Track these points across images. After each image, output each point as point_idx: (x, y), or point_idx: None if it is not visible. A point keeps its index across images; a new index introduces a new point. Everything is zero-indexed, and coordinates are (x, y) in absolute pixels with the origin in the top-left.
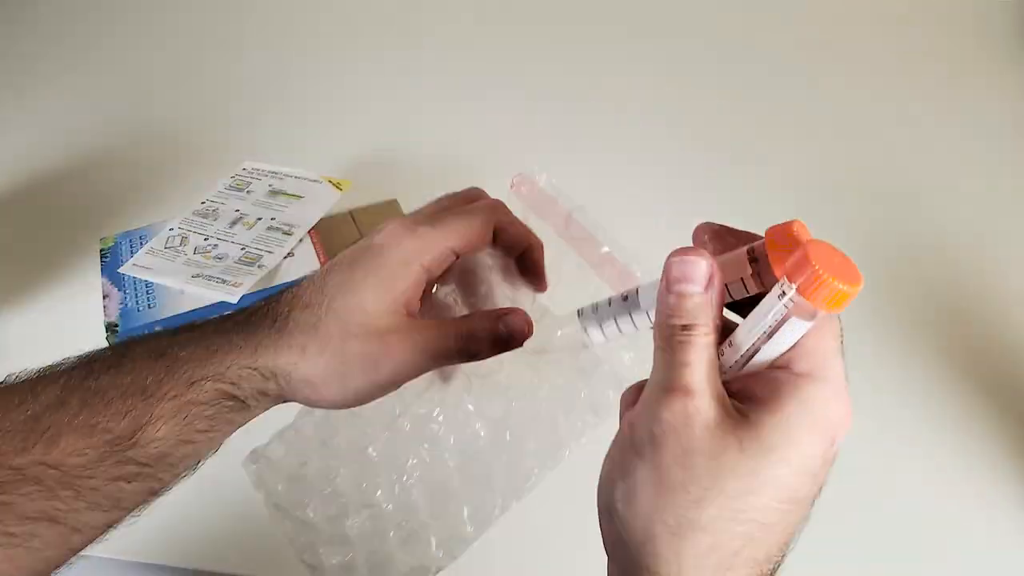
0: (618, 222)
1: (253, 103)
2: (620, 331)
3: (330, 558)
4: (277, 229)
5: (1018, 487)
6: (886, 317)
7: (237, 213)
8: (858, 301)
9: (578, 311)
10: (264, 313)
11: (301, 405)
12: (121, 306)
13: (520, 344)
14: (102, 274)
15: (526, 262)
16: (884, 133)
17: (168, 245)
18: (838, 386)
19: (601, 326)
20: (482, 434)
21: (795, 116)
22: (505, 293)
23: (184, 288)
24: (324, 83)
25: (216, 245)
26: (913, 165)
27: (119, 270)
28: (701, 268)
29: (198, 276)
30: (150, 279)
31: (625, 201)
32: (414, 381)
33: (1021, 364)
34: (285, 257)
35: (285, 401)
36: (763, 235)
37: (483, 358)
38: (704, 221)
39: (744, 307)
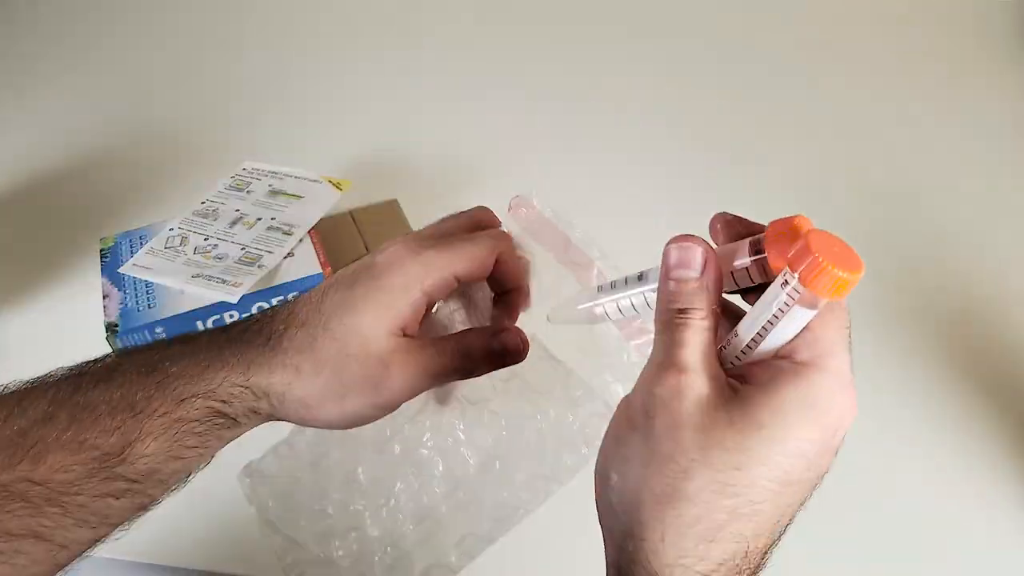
0: (618, 222)
1: (253, 103)
2: (634, 308)
3: None
4: (277, 229)
5: (1018, 487)
6: (886, 317)
7: (237, 213)
8: (858, 301)
9: (598, 287)
10: (258, 329)
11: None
12: (121, 306)
13: (516, 361)
14: (102, 274)
15: (506, 301)
16: (884, 133)
17: (168, 245)
18: (840, 376)
19: (617, 303)
20: (471, 462)
21: (795, 116)
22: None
23: (184, 288)
24: (324, 83)
25: (216, 245)
26: (913, 165)
27: (119, 270)
28: (697, 254)
29: (198, 276)
30: (150, 279)
31: (625, 201)
32: (408, 403)
33: (1021, 364)
34: (285, 257)
35: (277, 420)
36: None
37: (480, 375)
38: (720, 212)
39: (755, 297)
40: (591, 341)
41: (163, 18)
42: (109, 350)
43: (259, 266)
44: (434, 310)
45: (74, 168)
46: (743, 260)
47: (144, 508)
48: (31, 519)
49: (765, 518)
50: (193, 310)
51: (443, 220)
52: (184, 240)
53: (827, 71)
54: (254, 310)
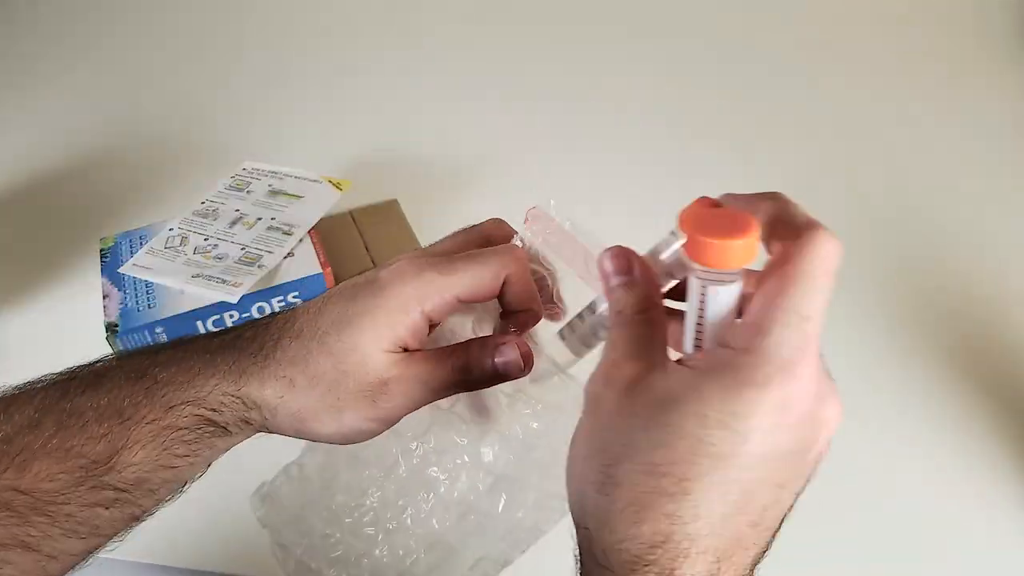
0: (618, 222)
1: (253, 103)
2: (598, 337)
3: None
4: (277, 229)
5: (1018, 487)
6: (887, 316)
7: (237, 213)
8: (858, 300)
9: (560, 334)
10: (252, 336)
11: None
12: (121, 306)
13: (517, 375)
14: (102, 274)
15: (515, 318)
16: (884, 133)
17: (168, 245)
18: (771, 356)
19: (584, 341)
20: (481, 483)
21: (795, 116)
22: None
23: (184, 288)
24: (324, 83)
25: (216, 245)
26: (913, 165)
27: (119, 270)
28: (624, 260)
29: (198, 276)
30: (150, 279)
31: (626, 201)
32: (415, 423)
33: (1021, 364)
34: (285, 257)
35: (271, 432)
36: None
37: (482, 387)
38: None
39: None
40: (600, 353)
41: (163, 18)
42: (109, 350)
43: (259, 266)
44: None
45: (74, 168)
46: (666, 253)
47: (136, 519)
48: (17, 528)
49: (701, 498)
50: (193, 310)
51: (455, 234)
52: (184, 240)
53: (827, 71)
54: (254, 310)
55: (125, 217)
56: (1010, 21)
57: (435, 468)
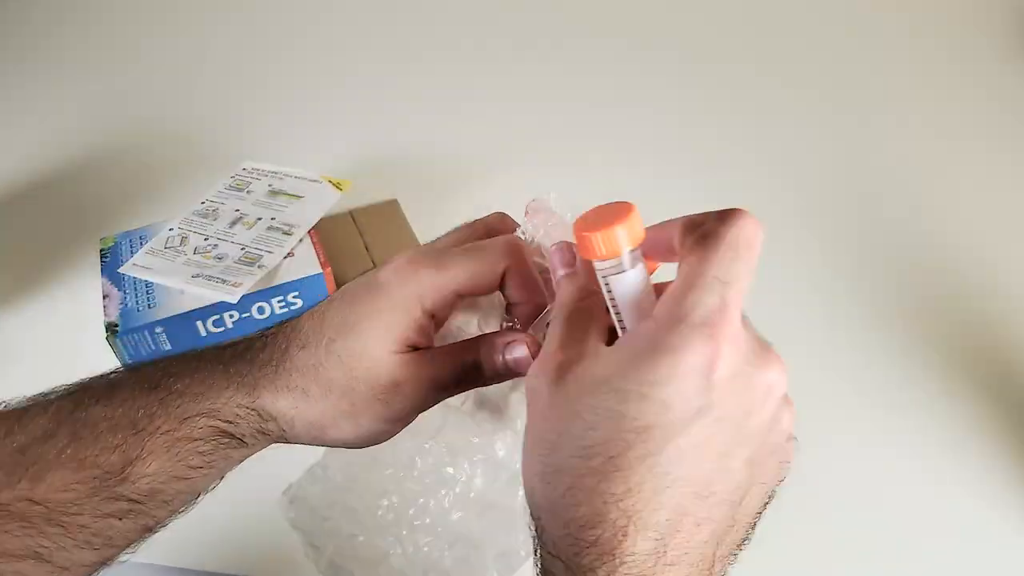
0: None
1: (253, 103)
2: None
3: None
4: (277, 229)
5: (1018, 487)
6: (888, 316)
7: (237, 213)
8: (858, 301)
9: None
10: (261, 346)
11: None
12: (121, 306)
13: (527, 371)
14: (102, 274)
15: (520, 313)
16: (884, 133)
17: (168, 245)
18: (680, 320)
19: None
20: (496, 482)
21: (795, 117)
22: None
23: (184, 288)
24: (324, 83)
25: (216, 245)
26: (914, 164)
27: (119, 270)
28: (564, 254)
29: (198, 276)
30: (150, 279)
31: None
32: (428, 422)
33: (1021, 364)
34: (285, 257)
35: (288, 442)
36: None
37: (492, 384)
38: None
39: None
40: None
41: (163, 18)
42: (109, 350)
43: (259, 266)
44: (450, 320)
45: (74, 168)
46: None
47: (149, 530)
48: (30, 539)
49: (631, 473)
50: (193, 310)
51: (457, 229)
52: (184, 240)
53: (827, 71)
54: (254, 310)
55: (125, 217)
56: (1010, 21)
57: (451, 467)
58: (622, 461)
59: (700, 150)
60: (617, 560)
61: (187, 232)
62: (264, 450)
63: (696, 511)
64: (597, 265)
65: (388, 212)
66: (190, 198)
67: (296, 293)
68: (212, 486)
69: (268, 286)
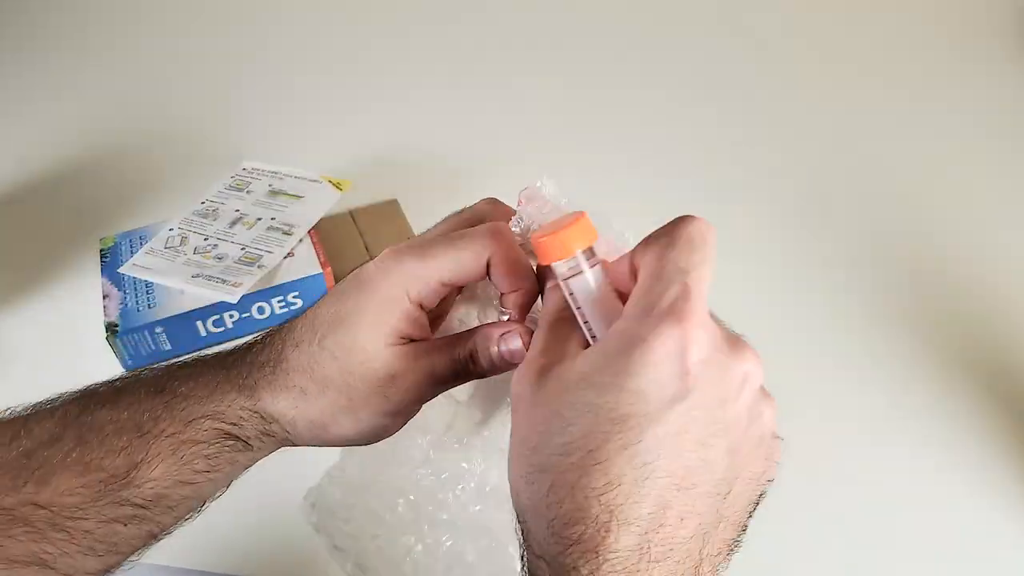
0: (617, 221)
1: (253, 103)
2: None
3: None
4: (277, 229)
5: (1018, 487)
6: (888, 317)
7: (237, 213)
8: (858, 301)
9: None
10: (259, 349)
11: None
12: (121, 306)
13: (522, 360)
14: (102, 274)
15: (512, 302)
16: (885, 133)
17: (168, 245)
18: (645, 312)
19: None
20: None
21: (796, 117)
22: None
23: (184, 288)
24: (324, 83)
25: (216, 245)
26: (914, 165)
27: (119, 270)
28: (527, 269)
29: (198, 276)
30: (150, 279)
31: (625, 200)
32: (436, 417)
33: (1021, 364)
34: (285, 257)
35: (293, 444)
36: None
37: (490, 375)
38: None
39: None
40: None
41: (163, 19)
42: (109, 350)
43: (259, 266)
44: (451, 313)
45: (74, 168)
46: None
47: (154, 537)
48: (35, 545)
49: (608, 465)
50: (193, 310)
51: (446, 219)
52: (184, 240)
53: (827, 72)
54: (254, 310)
55: (125, 217)
56: (1010, 21)
57: (465, 462)
58: (601, 454)
59: (700, 150)
60: (600, 558)
61: (187, 232)
62: (283, 453)
63: (679, 504)
64: (556, 269)
65: (388, 212)
66: (190, 198)
67: (296, 293)
68: (217, 494)
69: (268, 286)
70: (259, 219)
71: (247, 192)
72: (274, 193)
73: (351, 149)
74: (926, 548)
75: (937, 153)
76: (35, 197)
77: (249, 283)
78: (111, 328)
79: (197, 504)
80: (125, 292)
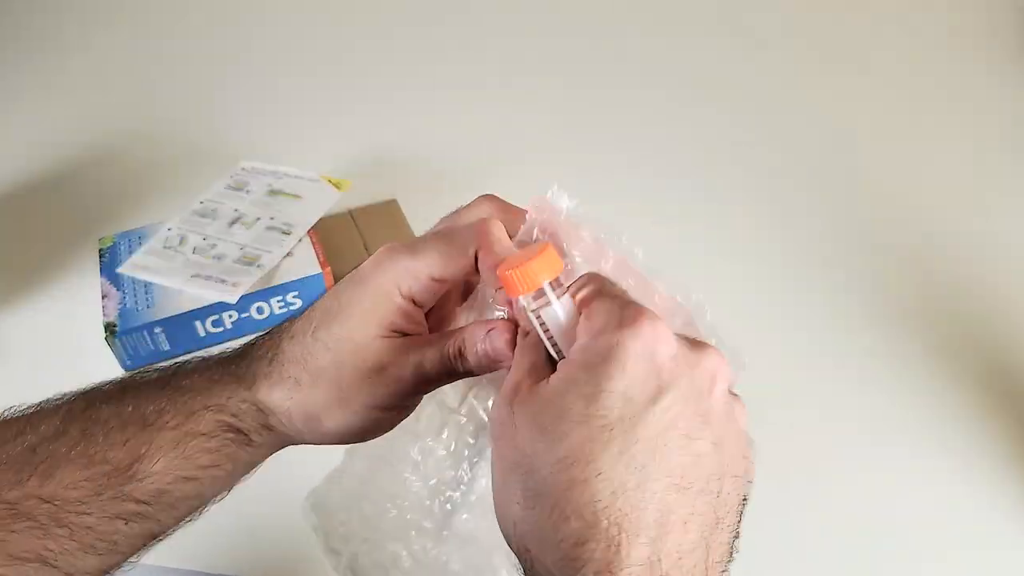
0: (617, 221)
1: (253, 103)
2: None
3: None
4: (276, 229)
5: (1018, 487)
6: (888, 316)
7: (236, 213)
8: (858, 301)
9: None
10: (260, 344)
11: (344, 454)
12: (120, 306)
13: (507, 360)
14: (101, 274)
15: (501, 300)
16: (884, 133)
17: (167, 245)
18: (597, 318)
19: None
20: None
21: (796, 117)
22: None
23: (183, 288)
24: (324, 83)
25: (215, 245)
26: (913, 164)
27: (118, 270)
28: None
29: (197, 276)
30: (149, 279)
31: (625, 200)
32: (426, 423)
33: (1021, 364)
34: (284, 257)
35: (292, 440)
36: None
37: (478, 374)
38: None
39: None
40: None
41: (161, 19)
42: (108, 350)
43: (258, 266)
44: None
45: (73, 168)
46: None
47: (154, 537)
48: (37, 541)
49: (613, 473)
50: (192, 310)
51: (444, 217)
52: (183, 240)
53: (827, 72)
54: (253, 310)
55: (124, 217)
56: (1011, 21)
57: (452, 470)
58: (601, 463)
59: (700, 150)
60: None
61: (186, 232)
62: (284, 455)
63: (679, 507)
64: (523, 302)
65: (388, 212)
66: (189, 198)
67: (295, 293)
68: (218, 497)
69: (267, 286)
70: (258, 219)
71: (246, 192)
72: (273, 193)
73: (351, 149)
74: (926, 548)
75: (937, 153)
76: (34, 197)
77: (248, 283)
78: (110, 328)
79: (197, 504)
80: (124, 292)
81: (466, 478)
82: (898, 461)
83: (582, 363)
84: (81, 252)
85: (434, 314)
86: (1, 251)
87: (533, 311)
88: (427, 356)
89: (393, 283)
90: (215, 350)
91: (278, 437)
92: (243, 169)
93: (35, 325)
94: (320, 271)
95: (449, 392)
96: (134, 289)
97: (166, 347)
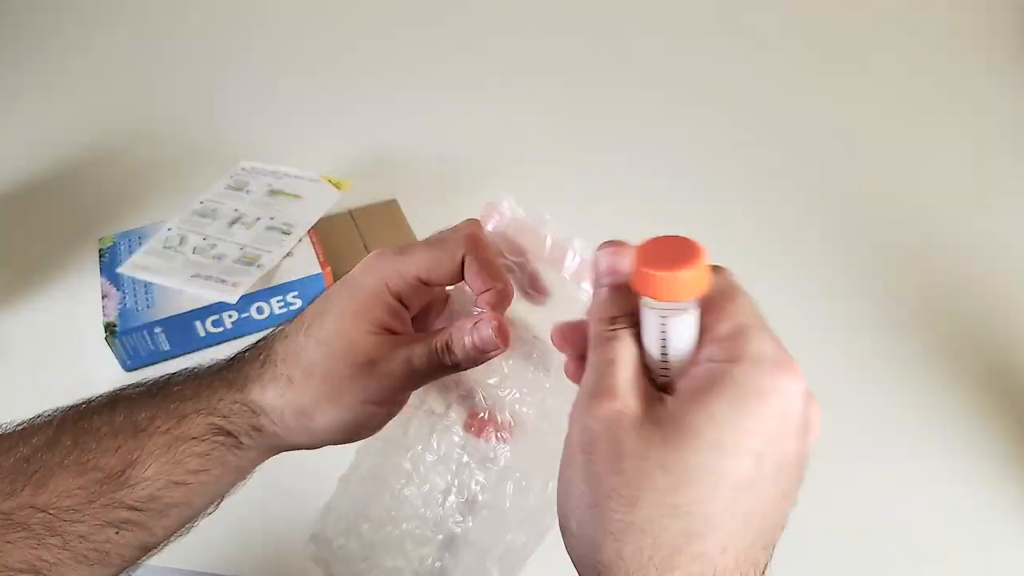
0: (617, 221)
1: (252, 103)
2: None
3: None
4: (276, 229)
5: (1018, 487)
6: (888, 316)
7: (236, 213)
8: (858, 301)
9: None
10: (251, 349)
11: (339, 482)
12: (120, 306)
13: (494, 349)
14: (101, 274)
15: (486, 301)
16: (884, 133)
17: (167, 245)
18: (761, 360)
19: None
20: (485, 481)
21: (796, 118)
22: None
23: (183, 288)
24: (324, 83)
25: (215, 245)
26: (913, 164)
27: (118, 270)
28: (626, 260)
29: (197, 276)
30: (149, 279)
31: (624, 200)
32: (415, 431)
33: (1021, 364)
34: (284, 257)
35: (282, 441)
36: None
37: (465, 368)
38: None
39: None
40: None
41: (161, 19)
42: (108, 350)
43: (258, 266)
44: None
45: (73, 168)
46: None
47: (145, 549)
48: (31, 552)
49: (729, 530)
50: (192, 310)
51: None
52: (183, 240)
53: (827, 72)
54: (253, 310)
55: (124, 217)
56: (1011, 21)
57: (444, 474)
58: (721, 519)
59: (700, 150)
60: None
61: (186, 232)
62: (286, 457)
63: (761, 562)
64: (654, 304)
65: (388, 212)
66: (189, 198)
67: (295, 293)
68: (208, 508)
69: (267, 286)
70: (258, 219)
71: (246, 192)
72: (273, 193)
73: (351, 149)
74: (926, 548)
75: (937, 153)
76: (34, 197)
77: (248, 283)
78: (110, 328)
79: (187, 514)
80: (124, 292)
81: (457, 481)
82: (898, 461)
83: (724, 400)
84: (81, 252)
85: (416, 325)
86: (1, 251)
87: (663, 318)
88: (415, 352)
89: (382, 282)
90: (208, 358)
91: (267, 440)
92: (243, 169)
93: (35, 325)
94: (320, 271)
95: (436, 400)
96: (134, 289)
97: (166, 347)
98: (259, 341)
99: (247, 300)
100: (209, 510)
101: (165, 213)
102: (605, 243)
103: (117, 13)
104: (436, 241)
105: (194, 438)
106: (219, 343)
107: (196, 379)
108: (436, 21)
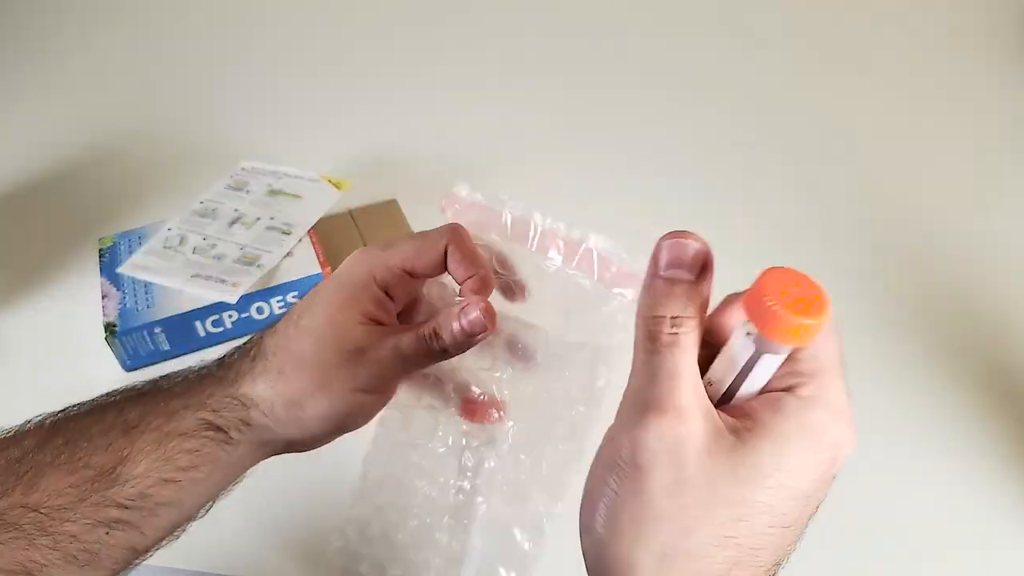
0: (616, 221)
1: (252, 103)
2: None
3: None
4: (276, 229)
5: (1018, 487)
6: (888, 316)
7: (236, 213)
8: (857, 301)
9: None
10: (242, 347)
11: (351, 495)
12: (120, 306)
13: (482, 331)
14: (101, 274)
15: (469, 288)
16: (884, 133)
17: (167, 245)
18: (837, 407)
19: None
20: (498, 459)
21: (796, 118)
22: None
23: (183, 288)
24: (324, 83)
25: (215, 245)
26: (913, 165)
27: (118, 270)
28: (694, 252)
29: (197, 276)
30: (149, 279)
31: (624, 200)
32: (419, 427)
33: (1021, 364)
34: (284, 257)
35: (276, 437)
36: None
37: (453, 354)
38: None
39: None
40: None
41: (161, 19)
42: (108, 350)
43: (258, 266)
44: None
45: (73, 168)
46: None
47: (135, 552)
48: (22, 553)
49: (763, 561)
50: (192, 310)
51: None
52: (183, 240)
53: (827, 72)
54: (253, 310)
55: (124, 217)
56: (1011, 20)
57: (455, 462)
58: (764, 554)
59: (700, 150)
60: None
61: (186, 232)
62: (286, 457)
63: None
64: (759, 340)
65: (388, 212)
66: (189, 198)
67: (295, 293)
68: (199, 510)
69: (267, 286)
70: (258, 219)
71: (246, 192)
72: (273, 193)
73: (350, 149)
74: (926, 548)
75: (937, 153)
76: (34, 197)
77: (248, 283)
78: (110, 328)
79: (177, 515)
80: (124, 292)
81: (470, 464)
82: (898, 461)
83: (805, 447)
84: (81, 252)
85: (399, 323)
86: (1, 251)
87: (759, 353)
88: (403, 340)
89: (369, 273)
90: (206, 357)
91: (257, 434)
92: (243, 169)
93: (35, 325)
94: (320, 271)
95: (433, 396)
96: (134, 289)
97: (166, 347)
98: (250, 339)
99: (247, 300)
100: (199, 514)
101: (165, 213)
102: (670, 233)
103: (117, 13)
104: (419, 235)
105: (183, 434)
106: (219, 343)
107: (187, 377)
108: (436, 21)
